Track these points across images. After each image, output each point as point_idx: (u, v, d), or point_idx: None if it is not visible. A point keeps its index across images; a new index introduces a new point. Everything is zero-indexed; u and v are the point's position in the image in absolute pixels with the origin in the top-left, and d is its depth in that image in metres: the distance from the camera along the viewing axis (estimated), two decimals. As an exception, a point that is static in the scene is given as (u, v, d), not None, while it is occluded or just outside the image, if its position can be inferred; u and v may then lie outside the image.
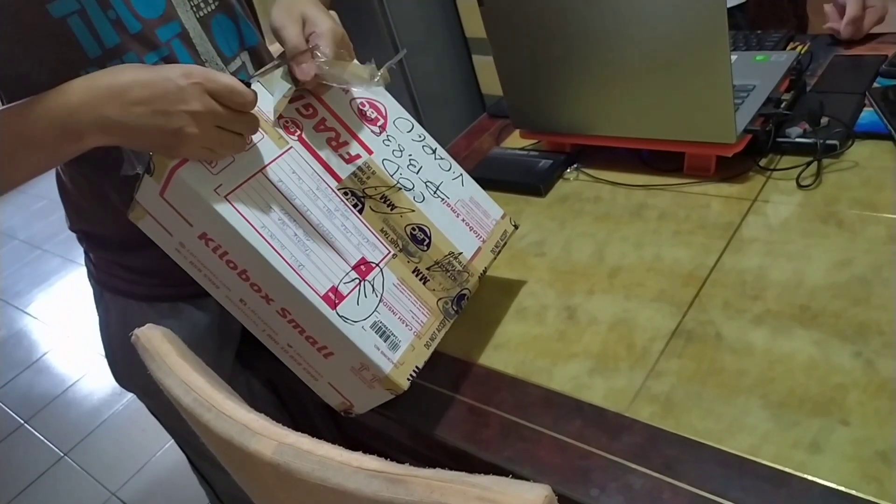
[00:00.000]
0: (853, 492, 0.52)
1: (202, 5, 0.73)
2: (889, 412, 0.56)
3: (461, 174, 0.78)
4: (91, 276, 0.87)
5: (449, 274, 0.70)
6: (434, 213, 0.73)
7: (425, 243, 0.70)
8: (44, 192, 3.85)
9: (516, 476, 0.39)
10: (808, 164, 0.84)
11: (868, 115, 0.88)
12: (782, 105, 0.90)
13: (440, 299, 0.69)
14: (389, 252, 0.68)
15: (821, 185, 0.82)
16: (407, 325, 0.65)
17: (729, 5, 1.29)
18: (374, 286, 0.64)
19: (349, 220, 0.67)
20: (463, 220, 0.75)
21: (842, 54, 1.03)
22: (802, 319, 0.67)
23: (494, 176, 1.02)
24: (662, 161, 0.93)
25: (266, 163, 0.64)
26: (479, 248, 0.75)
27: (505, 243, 0.78)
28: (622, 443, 0.61)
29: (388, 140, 0.75)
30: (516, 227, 0.81)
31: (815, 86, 0.97)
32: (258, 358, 0.89)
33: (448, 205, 0.75)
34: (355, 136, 0.72)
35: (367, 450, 0.44)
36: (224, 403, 0.50)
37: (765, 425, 0.59)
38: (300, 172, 0.66)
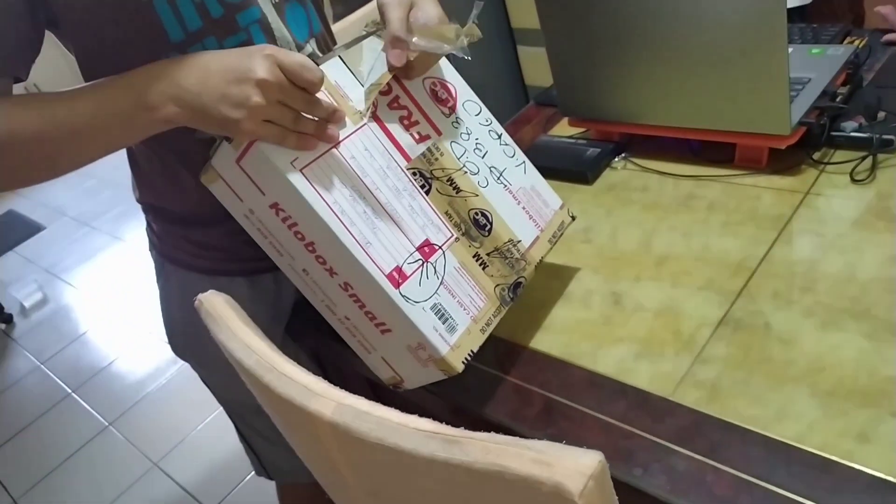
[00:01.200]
0: (901, 482, 0.52)
1: None
2: (941, 405, 0.56)
3: (524, 161, 0.78)
4: (153, 247, 0.90)
5: (507, 261, 0.71)
6: (496, 199, 0.73)
7: (487, 229, 0.71)
8: (94, 171, 3.94)
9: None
10: (863, 158, 0.83)
11: (927, 111, 0.86)
12: (838, 98, 0.89)
13: (497, 286, 0.69)
14: (453, 235, 0.68)
15: (875, 180, 0.81)
16: (465, 309, 0.66)
17: (796, 4, 1.28)
18: (437, 268, 0.65)
19: (416, 201, 0.67)
20: (523, 208, 0.75)
21: (901, 49, 1.02)
22: (853, 312, 0.66)
23: (542, 163, 1.01)
24: (712, 152, 0.92)
25: (341, 138, 0.65)
26: (538, 237, 0.75)
27: (561, 234, 0.78)
28: (666, 425, 0.62)
29: (457, 122, 0.75)
30: (573, 218, 0.81)
31: (873, 80, 0.96)
32: (306, 332, 0.91)
33: (510, 191, 0.75)
34: (426, 117, 0.73)
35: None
36: (284, 366, 0.52)
37: (812, 413, 0.59)
38: (372, 150, 0.67)
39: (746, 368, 0.64)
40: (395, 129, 0.70)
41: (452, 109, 0.75)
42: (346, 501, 0.65)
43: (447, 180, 0.70)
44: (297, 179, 0.61)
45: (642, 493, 0.58)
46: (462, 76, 0.80)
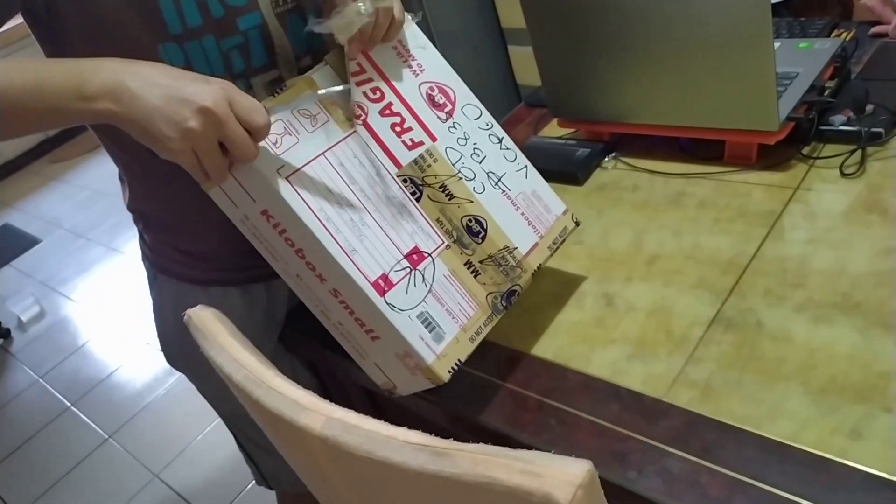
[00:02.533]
0: (895, 478, 0.52)
1: (281, 2, 0.75)
2: (933, 400, 0.56)
3: (525, 166, 0.77)
4: (146, 258, 0.90)
5: (501, 268, 0.70)
6: (492, 205, 0.72)
7: (480, 236, 0.70)
8: (88, 182, 3.96)
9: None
10: (853, 152, 0.83)
11: (915, 102, 0.86)
12: (826, 93, 0.89)
13: (490, 294, 0.68)
14: (443, 243, 0.68)
15: (865, 173, 0.81)
16: (453, 318, 0.65)
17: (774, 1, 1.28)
18: (425, 276, 0.65)
19: (406, 208, 0.67)
20: (522, 214, 0.74)
21: (888, 41, 1.02)
22: (845, 307, 0.66)
23: (533, 164, 1.02)
24: (701, 149, 0.92)
25: (329, 146, 0.65)
26: (536, 244, 0.73)
27: (563, 240, 0.76)
28: (660, 427, 0.62)
29: (454, 127, 0.74)
30: (577, 223, 0.79)
31: (861, 73, 0.96)
32: (300, 342, 0.91)
33: (508, 197, 0.74)
34: (420, 122, 0.72)
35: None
36: (273, 380, 0.52)
37: (805, 411, 0.59)
38: (361, 157, 0.67)
39: (739, 367, 0.64)
40: (386, 135, 0.69)
41: (450, 114, 0.75)
42: (341, 513, 0.65)
43: (440, 187, 0.70)
44: (282, 187, 0.61)
45: (637, 496, 0.58)
46: None
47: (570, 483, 0.37)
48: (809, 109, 0.86)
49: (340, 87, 0.69)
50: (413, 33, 0.77)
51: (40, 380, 2.43)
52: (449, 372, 0.63)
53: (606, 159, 1.00)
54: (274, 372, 0.54)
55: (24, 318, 2.81)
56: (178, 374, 0.94)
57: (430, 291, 0.65)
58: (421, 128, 0.72)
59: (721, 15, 0.79)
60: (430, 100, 0.74)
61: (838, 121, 0.86)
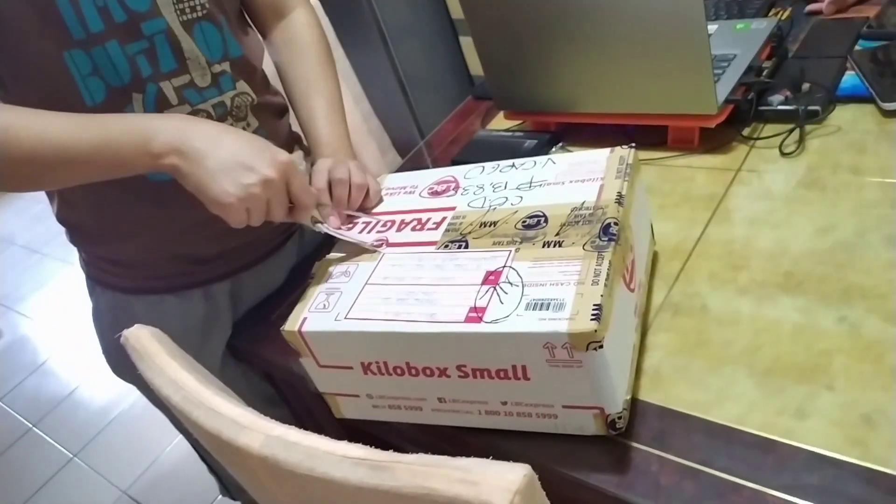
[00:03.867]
0: (839, 455, 0.52)
1: (188, 10, 0.75)
2: (873, 375, 0.57)
3: (548, 158, 0.75)
4: (83, 268, 0.88)
5: (581, 223, 0.64)
6: (539, 199, 0.70)
7: (542, 222, 0.66)
8: (41, 195, 3.84)
9: (503, 457, 0.40)
10: (791, 131, 0.84)
11: (850, 78, 0.88)
12: (763, 73, 0.90)
13: (585, 243, 0.62)
14: (510, 251, 0.64)
15: (804, 151, 0.82)
16: (562, 284, 0.58)
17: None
18: (511, 281, 0.60)
19: (458, 259, 0.65)
20: (571, 182, 0.70)
21: (823, 18, 1.03)
22: (787, 287, 0.67)
23: (480, 158, 1.00)
24: (647, 135, 0.92)
25: (368, 277, 0.67)
26: (602, 185, 0.68)
27: (630, 163, 0.69)
28: (612, 418, 0.62)
29: (465, 191, 0.75)
30: (633, 146, 0.72)
31: (797, 51, 0.97)
32: (250, 352, 0.89)
33: (550, 184, 0.71)
34: (435, 211, 0.73)
35: (367, 438, 0.45)
36: (212, 399, 0.51)
37: (751, 394, 0.59)
38: (399, 263, 0.67)
39: (686, 353, 0.65)
40: (411, 237, 0.71)
41: (456, 189, 0.76)
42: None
43: (480, 225, 0.68)
44: (346, 325, 0.62)
45: (590, 488, 0.58)
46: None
47: (507, 490, 0.37)
48: (748, 91, 0.87)
49: (351, 241, 0.73)
50: (394, 177, 0.84)
51: (0, 402, 2.37)
52: (591, 319, 0.54)
53: (553, 149, 1.00)
54: (214, 390, 0.53)
55: (-21, 340, 2.73)
56: (141, 388, 0.92)
57: (524, 286, 0.60)
58: (436, 212, 0.73)
59: (655, 3, 0.79)
60: (434, 194, 0.76)
61: (776, 100, 0.87)
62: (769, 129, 0.87)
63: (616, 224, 0.62)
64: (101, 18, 0.69)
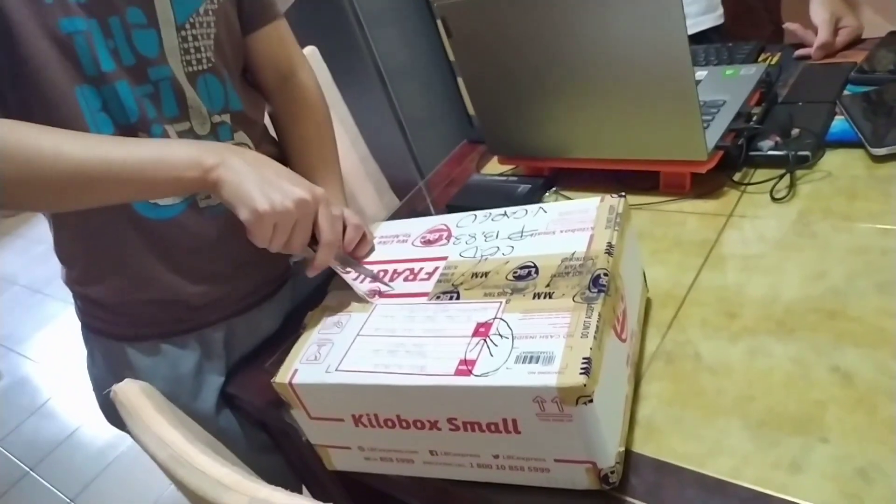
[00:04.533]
0: (833, 511, 0.52)
1: (193, 62, 0.78)
2: (867, 427, 0.56)
3: (539, 207, 0.76)
4: (78, 317, 0.89)
5: (571, 274, 0.64)
6: (530, 249, 0.70)
7: (532, 273, 0.66)
8: (42, 236, 3.88)
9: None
10: (781, 176, 0.84)
11: (839, 123, 0.88)
12: (753, 119, 0.91)
13: (574, 295, 0.61)
14: (500, 303, 0.64)
15: (795, 196, 0.82)
16: (552, 337, 0.58)
17: (707, 26, 1.31)
18: (501, 333, 0.60)
19: (449, 311, 0.65)
20: (561, 232, 0.70)
21: (812, 63, 1.04)
22: (779, 335, 0.67)
23: (474, 203, 1.02)
24: (639, 180, 0.93)
25: (360, 328, 0.67)
26: (591, 236, 0.68)
27: (620, 213, 0.70)
28: (604, 471, 0.61)
29: (457, 240, 0.75)
30: (622, 195, 0.72)
31: (787, 96, 0.98)
32: (245, 399, 0.89)
33: (541, 234, 0.71)
34: (426, 261, 0.74)
35: (361, 487, 0.44)
36: (197, 458, 0.50)
37: (745, 446, 0.58)
38: (391, 314, 0.68)
39: (679, 403, 0.64)
40: (403, 287, 0.71)
41: (448, 238, 0.76)
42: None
43: (471, 276, 0.69)
44: (336, 377, 0.62)
45: (583, 545, 0.57)
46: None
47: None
48: (737, 136, 0.88)
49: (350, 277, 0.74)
50: (386, 225, 0.84)
51: (-2, 445, 2.35)
52: (580, 373, 0.53)
53: (547, 194, 1.00)
54: (200, 448, 0.53)
55: (-21, 382, 2.72)
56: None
57: (514, 338, 0.59)
58: (428, 262, 0.73)
59: (643, 52, 0.80)
60: (427, 243, 0.77)
61: (766, 146, 0.88)
62: (760, 174, 0.87)
63: (606, 275, 0.62)
64: (112, 59, 0.71)
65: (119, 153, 0.65)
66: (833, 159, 0.85)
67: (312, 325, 0.71)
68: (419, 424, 0.61)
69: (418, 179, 2.22)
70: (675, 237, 0.83)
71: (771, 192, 0.83)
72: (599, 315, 0.58)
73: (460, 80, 2.41)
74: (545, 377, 0.54)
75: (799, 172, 0.84)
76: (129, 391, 0.59)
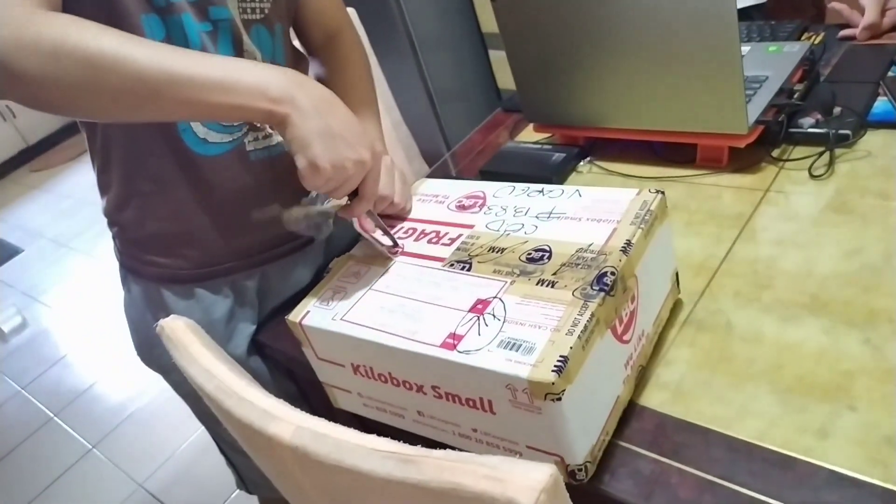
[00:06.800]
0: (859, 476, 0.53)
1: (248, 10, 0.79)
2: (896, 398, 0.57)
3: (576, 190, 0.73)
4: (117, 258, 0.91)
5: (580, 266, 0.63)
6: (552, 232, 0.68)
7: (544, 258, 0.65)
8: (70, 191, 3.93)
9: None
10: (821, 154, 0.84)
11: (882, 104, 0.88)
12: (795, 95, 0.91)
13: (576, 289, 0.60)
14: (505, 283, 0.64)
15: (833, 175, 0.82)
16: (540, 328, 0.57)
17: (749, 3, 1.30)
18: (495, 314, 0.60)
19: (457, 281, 0.66)
20: (587, 220, 0.68)
21: (856, 44, 1.03)
22: (812, 307, 0.67)
23: (507, 170, 1.03)
24: (675, 153, 0.93)
25: (374, 281, 0.69)
26: (614, 229, 0.65)
27: (650, 210, 0.66)
28: (632, 429, 0.62)
29: (489, 209, 0.75)
30: (659, 192, 0.69)
31: (829, 76, 0.97)
32: (275, 348, 0.91)
33: (567, 218, 0.70)
34: (454, 225, 0.74)
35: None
36: (245, 390, 0.52)
37: (773, 411, 0.59)
38: (405, 274, 0.69)
39: (709, 368, 0.65)
40: (424, 249, 0.72)
41: (482, 206, 0.76)
42: (317, 520, 0.65)
43: (488, 249, 0.69)
44: (340, 326, 0.65)
45: (609, 497, 0.58)
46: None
47: (532, 489, 0.38)
48: (778, 112, 0.87)
49: (378, 236, 0.75)
50: (430, 183, 0.85)
51: (22, 391, 2.41)
52: (553, 371, 0.53)
53: (581, 164, 1.01)
54: (246, 381, 0.54)
55: (5, 329, 2.79)
56: (161, 385, 0.94)
57: (504, 322, 0.59)
58: (455, 227, 0.74)
59: (689, 22, 0.80)
60: (461, 208, 0.77)
61: (807, 123, 0.87)
62: (799, 151, 0.87)
63: (613, 274, 0.60)
64: None
65: (185, 66, 0.62)
66: (874, 139, 0.85)
67: (335, 271, 0.73)
68: (407, 385, 0.64)
69: (445, 150, 2.23)
70: (709, 210, 0.84)
71: (809, 169, 0.83)
72: (593, 315, 0.57)
73: (492, 53, 2.40)
74: (519, 367, 0.54)
75: (838, 151, 0.84)
76: (176, 326, 0.61)
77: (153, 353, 0.90)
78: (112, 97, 0.61)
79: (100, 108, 0.64)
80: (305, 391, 0.98)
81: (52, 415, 2.25)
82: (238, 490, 1.09)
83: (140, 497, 1.84)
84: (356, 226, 0.74)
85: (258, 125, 0.83)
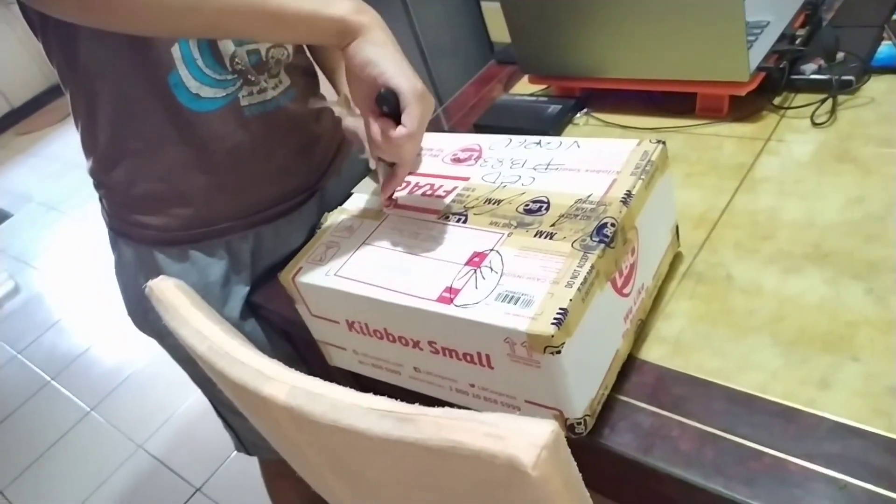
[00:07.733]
0: (862, 426, 0.52)
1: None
2: (899, 347, 0.56)
3: (574, 141, 0.72)
4: (105, 221, 0.89)
5: (579, 217, 0.61)
6: (549, 184, 0.67)
7: (542, 209, 0.64)
8: (58, 154, 3.88)
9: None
10: (823, 101, 0.82)
11: (886, 49, 0.85)
12: (797, 41, 0.88)
13: (575, 240, 0.59)
14: (502, 234, 0.62)
15: (836, 122, 0.80)
16: (538, 280, 0.56)
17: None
18: (493, 267, 0.59)
19: (453, 233, 0.64)
20: (586, 171, 0.66)
21: (860, -13, 1.00)
22: (814, 258, 0.66)
23: (502, 123, 1.01)
24: (673, 103, 0.91)
25: (367, 236, 0.68)
26: (614, 180, 0.64)
27: (650, 161, 0.65)
28: (631, 383, 0.62)
29: (485, 162, 0.73)
30: (660, 142, 0.67)
31: (832, 20, 0.95)
32: (270, 308, 0.90)
33: (566, 169, 0.68)
34: (449, 178, 0.72)
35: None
36: (237, 350, 0.51)
37: (774, 363, 0.59)
38: (399, 227, 0.68)
39: (709, 321, 0.64)
40: (419, 202, 0.70)
41: (478, 158, 0.74)
42: (314, 479, 0.64)
43: (484, 201, 0.67)
44: (334, 282, 0.64)
45: (610, 451, 0.58)
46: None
47: (534, 445, 0.37)
48: (780, 59, 0.85)
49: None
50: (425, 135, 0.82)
51: (18, 355, 2.41)
52: (553, 323, 0.52)
53: (578, 115, 0.98)
54: (239, 341, 0.53)
55: (-2, 294, 2.78)
56: (157, 348, 0.93)
57: (502, 274, 0.58)
58: (451, 180, 0.72)
59: (690, -37, 0.77)
60: (456, 161, 0.75)
61: (809, 69, 0.85)
62: (800, 98, 0.85)
63: (613, 225, 0.58)
64: None
65: None
66: (878, 85, 0.82)
67: (327, 225, 0.72)
68: (403, 341, 0.63)
69: (437, 106, 2.19)
70: (710, 161, 0.82)
71: (811, 116, 0.81)
72: (593, 266, 0.55)
73: (484, 5, 2.34)
74: (518, 320, 0.53)
75: (841, 98, 0.82)
76: (165, 287, 0.59)
77: (147, 317, 0.88)
78: (179, 9, 0.57)
79: (159, 20, 0.59)
80: (302, 352, 0.98)
81: (49, 378, 2.26)
82: (237, 452, 1.09)
83: (140, 458, 1.85)
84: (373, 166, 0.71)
85: (251, 78, 0.79)
